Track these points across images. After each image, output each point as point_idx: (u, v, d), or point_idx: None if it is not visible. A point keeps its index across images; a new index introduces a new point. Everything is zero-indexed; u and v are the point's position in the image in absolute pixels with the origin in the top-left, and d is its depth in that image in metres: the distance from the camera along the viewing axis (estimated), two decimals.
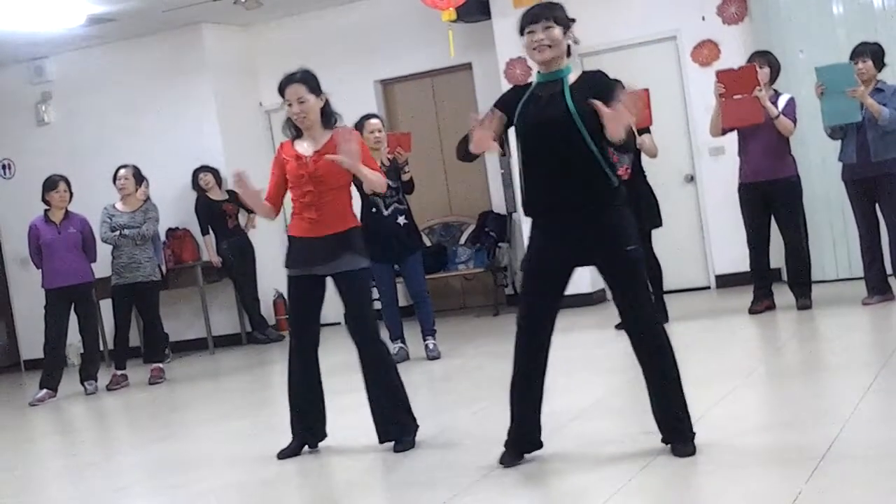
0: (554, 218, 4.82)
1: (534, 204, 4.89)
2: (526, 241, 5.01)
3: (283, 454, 5.87)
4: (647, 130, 8.68)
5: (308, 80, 5.74)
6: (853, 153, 8.29)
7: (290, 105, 5.72)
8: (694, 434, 4.83)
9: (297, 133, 5.83)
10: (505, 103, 4.97)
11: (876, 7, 9.65)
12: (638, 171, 8.72)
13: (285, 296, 11.87)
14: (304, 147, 5.76)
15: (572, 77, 4.85)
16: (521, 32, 4.87)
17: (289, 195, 5.87)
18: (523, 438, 5.03)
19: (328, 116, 5.80)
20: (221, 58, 12.20)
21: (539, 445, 5.07)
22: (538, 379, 4.97)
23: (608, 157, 4.79)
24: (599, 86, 4.75)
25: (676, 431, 4.82)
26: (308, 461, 5.84)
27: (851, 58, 8.26)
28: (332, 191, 5.69)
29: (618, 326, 8.83)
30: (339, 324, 12.26)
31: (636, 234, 4.87)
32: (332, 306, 11.80)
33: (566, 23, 4.86)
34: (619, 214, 4.81)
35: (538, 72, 4.92)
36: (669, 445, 4.83)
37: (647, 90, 8.64)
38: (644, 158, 8.72)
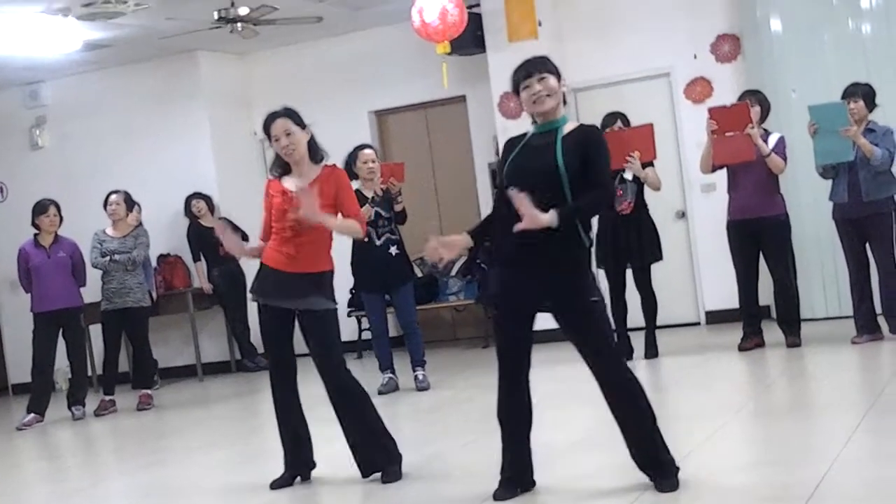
0: (521, 264, 4.84)
1: (504, 247, 4.91)
2: None
3: (276, 484, 5.84)
4: (651, 164, 8.73)
5: (292, 114, 5.78)
6: (844, 193, 8.33)
7: (277, 140, 5.72)
8: (677, 469, 4.84)
9: (283, 171, 5.83)
10: (503, 159, 5.02)
11: (868, 48, 9.73)
12: (641, 204, 8.77)
13: None
14: (291, 183, 5.75)
15: (567, 128, 4.88)
16: (517, 89, 4.92)
17: None
18: (518, 476, 5.03)
19: (314, 151, 5.81)
20: (216, 86, 12.24)
21: (531, 485, 5.06)
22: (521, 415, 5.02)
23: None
24: (588, 145, 4.78)
25: (658, 468, 4.83)
26: (298, 491, 5.82)
27: (843, 98, 8.31)
28: (313, 230, 5.65)
29: None
30: None
31: (597, 288, 4.89)
32: None
33: (558, 72, 4.91)
34: (583, 271, 4.83)
35: (534, 123, 4.95)
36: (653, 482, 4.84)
37: (651, 125, 8.71)
38: (646, 192, 8.77)
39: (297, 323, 5.83)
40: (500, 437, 5.04)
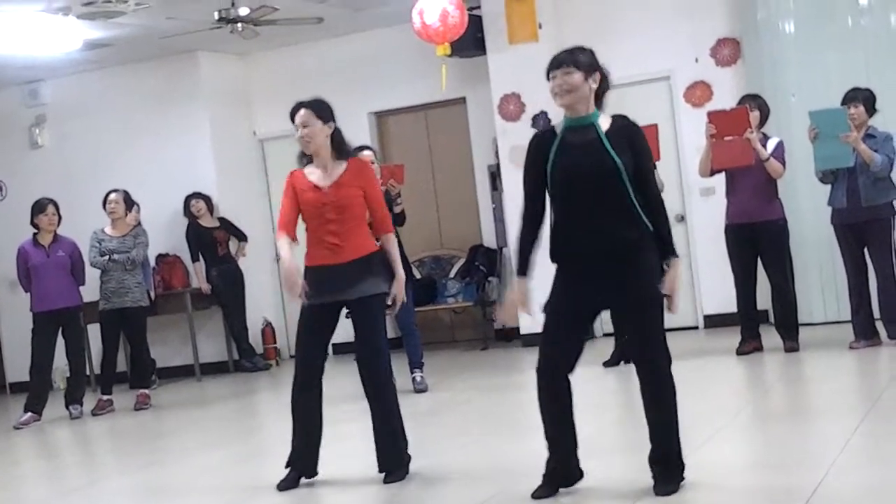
0: (589, 263, 4.80)
1: (569, 250, 4.84)
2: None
3: (283, 485, 5.80)
4: (654, 166, 8.71)
5: (316, 106, 5.77)
6: (843, 198, 8.33)
7: (296, 130, 5.75)
8: (683, 477, 4.85)
9: (304, 161, 5.84)
10: (536, 158, 4.91)
11: (869, 53, 9.73)
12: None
13: (274, 325, 11.98)
14: (318, 177, 5.76)
15: (604, 123, 4.86)
16: (547, 78, 4.89)
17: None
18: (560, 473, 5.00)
19: (339, 146, 5.80)
20: (217, 86, 12.24)
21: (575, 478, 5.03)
22: (568, 420, 4.97)
23: (642, 203, 4.83)
24: (635, 142, 4.84)
25: (668, 468, 4.85)
26: (298, 491, 5.82)
27: (843, 103, 8.31)
28: (353, 218, 5.73)
29: (606, 364, 8.87)
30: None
31: (660, 281, 4.89)
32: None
33: (589, 67, 4.85)
34: (654, 255, 4.84)
35: (565, 116, 4.91)
36: (653, 484, 4.85)
37: (655, 126, 8.69)
38: None
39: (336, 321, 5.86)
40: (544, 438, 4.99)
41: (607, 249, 4.77)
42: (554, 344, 4.89)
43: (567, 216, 4.83)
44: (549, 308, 4.90)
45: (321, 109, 5.75)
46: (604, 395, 7.78)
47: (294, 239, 5.79)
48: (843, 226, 8.41)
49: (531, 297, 4.92)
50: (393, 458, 5.77)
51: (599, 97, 4.92)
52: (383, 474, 5.74)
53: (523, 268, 4.92)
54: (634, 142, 4.83)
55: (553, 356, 4.88)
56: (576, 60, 4.84)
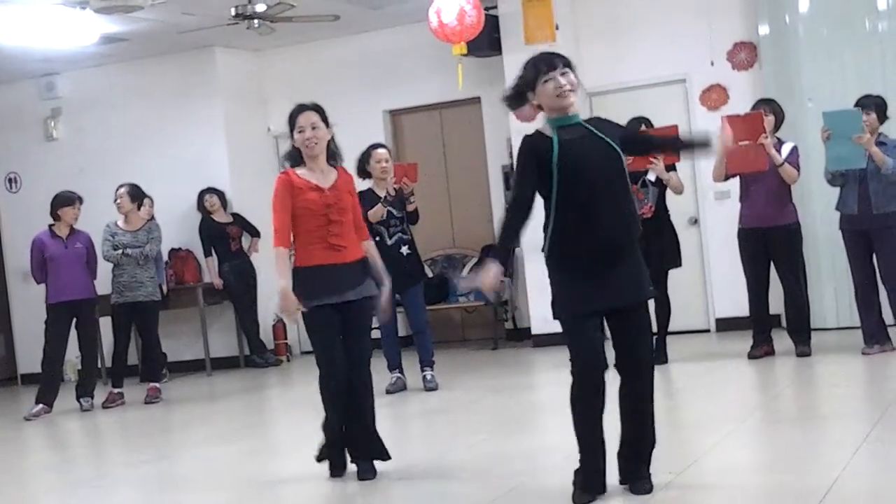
0: (603, 257, 4.79)
1: (585, 245, 4.79)
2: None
3: (334, 474, 5.89)
4: (674, 167, 8.72)
5: (320, 110, 5.85)
6: (854, 204, 8.30)
7: (301, 131, 5.75)
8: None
9: (295, 164, 5.87)
10: (534, 159, 4.86)
11: (886, 58, 9.70)
12: (662, 209, 8.75)
13: (285, 320, 11.97)
14: (317, 179, 5.79)
15: (589, 122, 4.93)
16: (534, 82, 4.85)
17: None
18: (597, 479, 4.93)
19: (333, 153, 5.91)
20: (232, 81, 12.26)
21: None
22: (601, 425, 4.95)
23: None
24: (620, 127, 4.97)
25: (642, 470, 4.88)
26: (304, 488, 5.82)
27: (859, 107, 8.28)
28: (349, 222, 5.85)
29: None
30: None
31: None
32: None
33: (574, 67, 4.90)
34: (641, 255, 4.91)
35: (554, 118, 4.88)
36: (628, 485, 4.88)
37: (675, 126, 8.68)
38: (669, 195, 8.76)
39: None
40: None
41: (623, 240, 4.80)
42: (591, 344, 4.80)
43: (582, 211, 4.76)
44: (567, 308, 4.84)
45: (324, 113, 5.85)
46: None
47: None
48: (853, 231, 8.38)
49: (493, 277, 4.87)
50: (375, 448, 5.86)
51: None
52: (358, 471, 5.83)
53: (503, 256, 4.91)
54: (621, 128, 4.99)
55: (591, 359, 4.79)
56: (567, 62, 4.87)
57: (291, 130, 5.82)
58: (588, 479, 4.86)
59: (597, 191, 4.74)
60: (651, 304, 8.80)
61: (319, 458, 5.94)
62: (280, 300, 5.67)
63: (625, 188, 4.80)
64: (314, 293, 5.70)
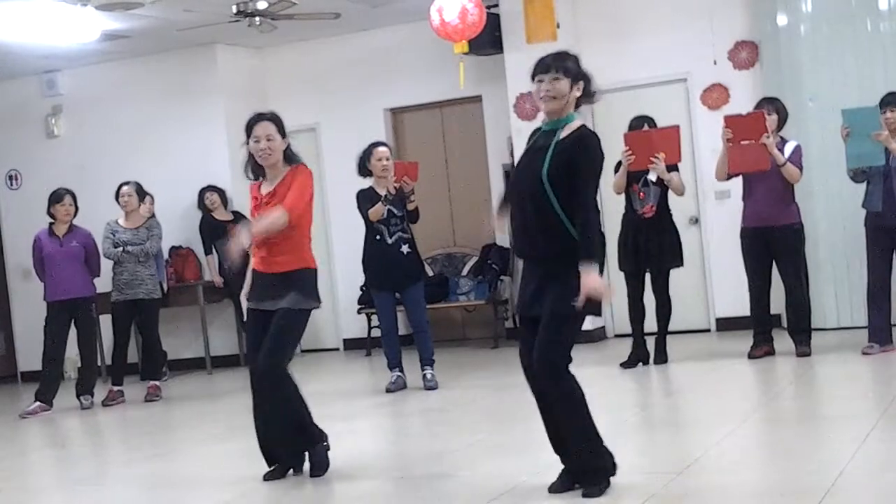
0: (526, 266, 4.99)
1: (515, 247, 5.05)
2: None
3: (268, 476, 5.91)
4: (676, 168, 8.71)
5: (277, 120, 5.88)
6: (879, 202, 8.27)
7: (257, 141, 5.81)
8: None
9: (256, 174, 5.97)
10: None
11: (888, 57, 9.69)
12: (664, 208, 8.75)
13: None
14: (265, 187, 5.94)
15: (567, 130, 4.85)
16: (532, 79, 4.91)
17: None
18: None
19: (290, 158, 5.93)
20: (233, 79, 12.25)
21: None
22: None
23: (572, 217, 4.76)
24: (574, 153, 4.76)
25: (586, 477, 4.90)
26: (296, 486, 5.82)
27: (880, 106, 8.27)
28: (280, 233, 5.77)
29: (623, 365, 8.86)
30: (337, 349, 12.27)
31: (577, 294, 4.73)
32: (331, 330, 11.80)
33: (577, 75, 4.86)
34: (574, 272, 4.72)
35: (546, 119, 4.97)
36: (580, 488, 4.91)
37: (677, 127, 8.68)
38: (670, 195, 8.76)
39: None
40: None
41: (535, 257, 4.88)
42: (521, 344, 5.07)
43: (513, 214, 4.98)
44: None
45: (281, 124, 5.88)
46: (611, 395, 7.76)
47: None
48: (877, 228, 8.36)
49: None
50: (308, 445, 5.89)
51: (578, 104, 4.93)
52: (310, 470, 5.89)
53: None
54: (574, 152, 4.76)
55: (520, 357, 5.06)
56: (564, 67, 4.85)
57: (247, 137, 5.88)
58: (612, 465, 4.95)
59: (520, 206, 4.88)
60: (652, 302, 8.90)
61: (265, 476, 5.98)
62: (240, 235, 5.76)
63: (543, 210, 4.75)
64: (247, 294, 5.99)
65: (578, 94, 4.88)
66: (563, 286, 4.74)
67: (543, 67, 4.86)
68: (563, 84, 4.81)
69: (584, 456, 4.86)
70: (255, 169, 5.94)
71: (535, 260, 4.89)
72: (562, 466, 4.99)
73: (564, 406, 4.85)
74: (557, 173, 4.74)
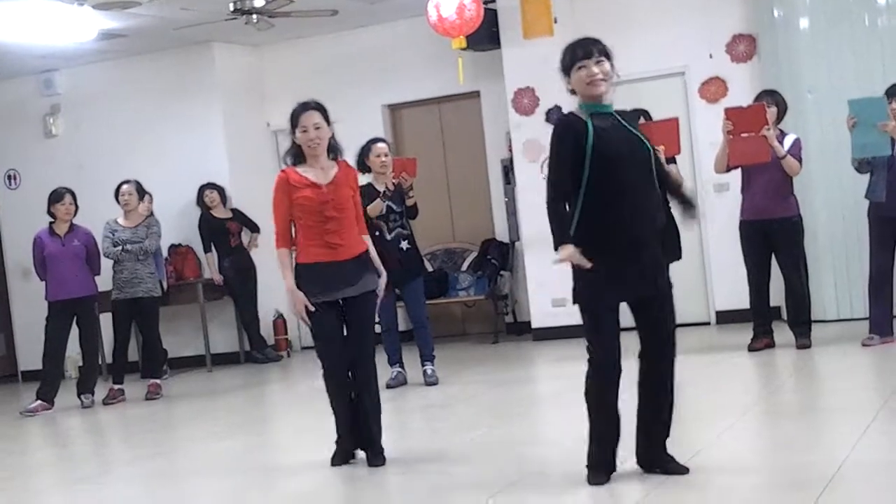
0: (634, 248, 4.83)
1: (615, 236, 4.82)
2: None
3: (335, 461, 5.97)
4: (674, 160, 8.70)
5: (323, 109, 5.90)
6: (882, 192, 8.26)
7: (305, 131, 5.81)
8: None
9: (296, 161, 5.92)
10: (573, 142, 4.82)
11: (885, 48, 9.68)
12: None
13: (286, 316, 11.98)
14: (315, 175, 5.84)
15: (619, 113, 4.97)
16: (569, 67, 4.86)
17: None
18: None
19: (333, 148, 5.95)
20: (231, 77, 12.24)
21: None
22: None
23: None
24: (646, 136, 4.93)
25: (666, 456, 4.96)
26: (305, 479, 5.82)
27: (886, 96, 8.23)
28: (349, 217, 5.86)
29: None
30: None
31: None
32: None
33: (611, 56, 4.91)
34: (660, 249, 4.95)
35: (588, 104, 4.88)
36: (665, 469, 4.94)
37: (676, 119, 8.66)
38: None
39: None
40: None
41: (649, 233, 4.85)
42: (612, 336, 4.88)
43: (611, 201, 4.79)
44: (594, 299, 4.87)
45: (327, 112, 5.90)
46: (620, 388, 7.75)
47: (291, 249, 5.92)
48: (881, 219, 8.34)
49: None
50: (378, 440, 5.94)
51: None
52: (368, 457, 5.92)
53: (568, 237, 4.82)
54: (645, 133, 4.97)
55: (614, 349, 4.88)
56: (605, 50, 4.88)
57: (294, 128, 5.86)
58: (600, 462, 4.95)
59: (626, 184, 4.78)
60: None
61: (334, 462, 5.98)
62: (289, 300, 5.82)
63: (653, 183, 4.86)
64: (313, 291, 5.79)
65: (616, 77, 4.94)
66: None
67: (586, 52, 4.85)
68: (607, 65, 4.86)
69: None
70: (297, 155, 5.91)
71: (649, 239, 4.86)
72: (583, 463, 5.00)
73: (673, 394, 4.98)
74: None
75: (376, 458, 5.87)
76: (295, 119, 5.86)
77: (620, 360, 4.89)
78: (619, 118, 4.89)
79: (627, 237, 4.81)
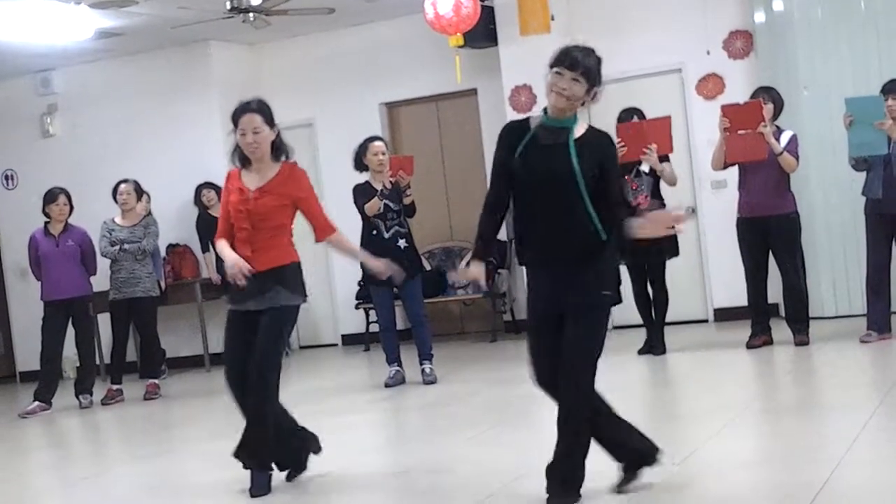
0: (547, 267, 4.74)
1: (527, 254, 4.80)
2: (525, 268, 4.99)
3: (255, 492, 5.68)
4: (667, 159, 8.71)
5: (264, 110, 5.66)
6: (879, 189, 8.27)
7: (243, 134, 5.59)
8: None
9: (243, 163, 5.70)
10: (506, 148, 4.78)
11: (882, 46, 9.68)
12: (657, 199, 8.75)
13: None
14: (250, 179, 5.63)
15: (578, 130, 4.72)
16: (550, 66, 4.73)
17: None
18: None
19: (278, 150, 5.68)
20: (228, 75, 12.22)
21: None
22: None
23: (601, 213, 4.66)
24: (604, 155, 4.69)
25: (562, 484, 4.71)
26: (300, 485, 5.82)
27: (882, 94, 8.26)
28: (268, 230, 5.57)
29: (640, 351, 8.89)
30: (335, 345, 12.26)
31: (615, 286, 4.76)
32: (329, 326, 11.80)
33: (594, 82, 4.70)
34: (604, 263, 4.71)
35: (545, 112, 4.78)
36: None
37: (669, 117, 8.67)
38: (662, 186, 8.76)
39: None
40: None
41: (560, 255, 4.68)
42: (536, 352, 4.77)
43: (526, 218, 4.75)
44: (529, 315, 4.82)
45: (269, 113, 5.64)
46: (618, 386, 7.75)
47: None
48: (876, 216, 8.36)
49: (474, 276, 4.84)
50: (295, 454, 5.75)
51: (581, 103, 4.75)
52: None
53: (481, 252, 4.84)
54: (605, 155, 4.69)
55: (538, 364, 4.77)
56: (588, 70, 4.66)
57: (235, 128, 5.66)
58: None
59: (541, 203, 4.65)
60: (650, 293, 8.90)
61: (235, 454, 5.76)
62: (228, 268, 5.51)
63: (571, 206, 4.61)
64: (227, 295, 5.68)
65: (589, 101, 4.74)
66: (594, 279, 4.66)
67: (570, 62, 4.66)
68: (579, 88, 4.64)
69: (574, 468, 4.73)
70: (243, 157, 5.67)
71: (555, 259, 4.68)
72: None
73: (573, 418, 4.71)
74: (589, 173, 4.60)
75: (257, 487, 5.61)
76: (234, 120, 5.66)
77: (541, 379, 4.74)
78: (569, 139, 4.65)
79: (541, 254, 4.73)
